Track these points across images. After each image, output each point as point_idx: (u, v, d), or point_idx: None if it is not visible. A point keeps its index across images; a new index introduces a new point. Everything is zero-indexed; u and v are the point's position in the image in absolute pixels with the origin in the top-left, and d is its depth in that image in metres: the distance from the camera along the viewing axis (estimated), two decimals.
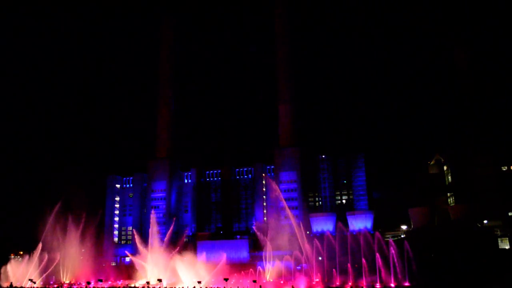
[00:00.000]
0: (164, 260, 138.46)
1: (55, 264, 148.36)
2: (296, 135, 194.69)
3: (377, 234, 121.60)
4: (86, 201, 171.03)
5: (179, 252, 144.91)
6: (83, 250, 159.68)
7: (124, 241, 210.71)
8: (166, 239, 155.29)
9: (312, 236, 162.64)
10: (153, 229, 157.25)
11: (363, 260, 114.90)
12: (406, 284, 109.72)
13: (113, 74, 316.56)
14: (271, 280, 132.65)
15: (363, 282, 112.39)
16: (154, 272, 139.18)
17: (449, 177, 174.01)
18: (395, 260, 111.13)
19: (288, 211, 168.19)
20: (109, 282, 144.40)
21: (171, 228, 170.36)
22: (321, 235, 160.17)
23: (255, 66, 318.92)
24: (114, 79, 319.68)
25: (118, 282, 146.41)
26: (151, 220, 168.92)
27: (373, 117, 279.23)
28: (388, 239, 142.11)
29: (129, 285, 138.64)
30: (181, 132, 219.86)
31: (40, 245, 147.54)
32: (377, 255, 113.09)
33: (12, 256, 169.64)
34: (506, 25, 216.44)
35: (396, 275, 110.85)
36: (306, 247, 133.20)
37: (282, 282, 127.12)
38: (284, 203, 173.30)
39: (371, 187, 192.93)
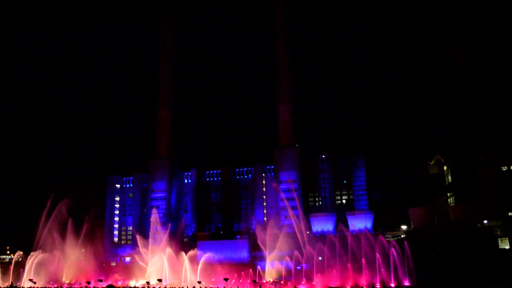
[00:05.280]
0: (164, 260, 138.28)
1: (55, 264, 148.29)
2: (296, 135, 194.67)
3: (379, 235, 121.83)
4: (86, 201, 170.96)
5: (179, 252, 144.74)
6: (83, 250, 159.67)
7: (124, 241, 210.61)
8: (166, 239, 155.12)
9: (313, 236, 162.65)
10: (154, 229, 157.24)
11: (363, 260, 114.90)
12: (406, 284, 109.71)
13: (113, 74, 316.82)
14: (271, 280, 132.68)
15: (363, 282, 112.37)
16: (154, 272, 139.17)
17: (449, 177, 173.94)
18: (396, 260, 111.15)
19: (290, 210, 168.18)
20: (109, 282, 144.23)
21: (175, 228, 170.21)
22: (321, 235, 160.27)
23: (255, 66, 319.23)
24: (114, 79, 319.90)
25: (118, 282, 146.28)
26: (151, 220, 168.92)
27: (373, 117, 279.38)
28: (388, 239, 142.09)
29: (129, 285, 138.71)
30: (181, 132, 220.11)
31: (39, 245, 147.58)
32: (377, 255, 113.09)
33: (12, 256, 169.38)
34: (506, 25, 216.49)
35: (396, 275, 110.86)
36: (307, 247, 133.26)
37: (282, 282, 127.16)
38: (286, 203, 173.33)
39: (371, 187, 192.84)
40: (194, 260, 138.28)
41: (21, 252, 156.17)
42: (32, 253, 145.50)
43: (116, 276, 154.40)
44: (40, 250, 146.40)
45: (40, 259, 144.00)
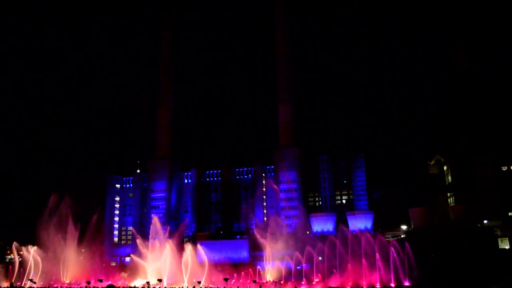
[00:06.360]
0: (164, 260, 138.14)
1: (55, 264, 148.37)
2: (296, 135, 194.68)
3: (379, 235, 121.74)
4: (86, 201, 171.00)
5: (179, 252, 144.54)
6: (83, 250, 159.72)
7: (124, 241, 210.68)
8: (166, 239, 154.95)
9: (313, 236, 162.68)
10: (154, 229, 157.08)
11: (364, 261, 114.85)
12: (406, 284, 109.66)
13: (114, 74, 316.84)
14: (271, 280, 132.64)
15: (363, 282, 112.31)
16: (154, 272, 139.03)
17: (449, 177, 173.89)
18: (396, 260, 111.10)
19: (290, 210, 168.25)
20: (109, 282, 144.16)
21: (175, 228, 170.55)
22: (321, 235, 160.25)
23: (255, 66, 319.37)
24: (114, 79, 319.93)
25: (118, 282, 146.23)
26: (152, 220, 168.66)
27: (373, 117, 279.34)
28: (388, 239, 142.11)
29: (129, 285, 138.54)
30: (181, 132, 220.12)
31: (39, 245, 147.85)
32: (377, 255, 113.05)
33: (12, 256, 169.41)
34: (506, 26, 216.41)
35: (396, 275, 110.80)
36: (307, 247, 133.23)
37: (282, 282, 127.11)
38: (286, 203, 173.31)
39: (371, 187, 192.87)
40: (194, 260, 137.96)
41: (21, 252, 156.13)
42: (27, 246, 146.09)
43: (123, 274, 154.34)
44: (39, 250, 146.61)
45: (36, 253, 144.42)
